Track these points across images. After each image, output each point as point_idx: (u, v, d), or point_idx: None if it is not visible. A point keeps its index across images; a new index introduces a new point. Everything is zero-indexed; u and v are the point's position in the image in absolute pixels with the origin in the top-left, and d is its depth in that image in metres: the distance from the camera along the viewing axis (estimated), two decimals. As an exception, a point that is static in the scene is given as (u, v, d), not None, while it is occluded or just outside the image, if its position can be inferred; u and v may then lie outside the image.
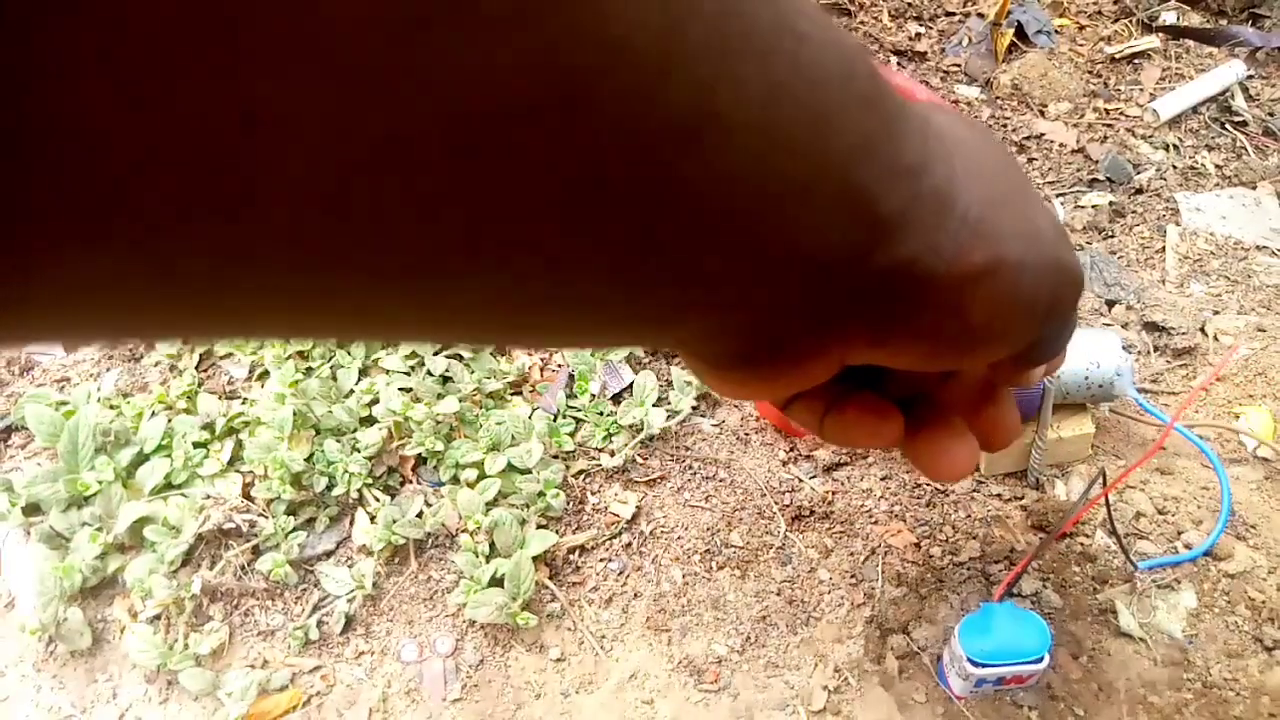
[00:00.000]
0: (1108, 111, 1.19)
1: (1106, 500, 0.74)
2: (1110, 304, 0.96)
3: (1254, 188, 1.15)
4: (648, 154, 0.11)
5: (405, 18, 0.08)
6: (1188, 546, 0.78)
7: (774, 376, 0.17)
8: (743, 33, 0.11)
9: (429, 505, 0.78)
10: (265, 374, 0.87)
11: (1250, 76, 1.26)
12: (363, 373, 0.86)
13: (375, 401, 0.83)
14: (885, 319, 0.15)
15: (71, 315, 0.10)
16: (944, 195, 0.15)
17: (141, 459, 0.80)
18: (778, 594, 0.75)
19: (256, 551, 0.76)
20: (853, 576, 0.76)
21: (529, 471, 0.79)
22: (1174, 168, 1.13)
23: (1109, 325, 0.95)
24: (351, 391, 0.84)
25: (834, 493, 0.81)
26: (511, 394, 0.87)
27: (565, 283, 0.12)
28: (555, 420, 0.84)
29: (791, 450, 0.84)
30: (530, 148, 0.10)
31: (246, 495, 0.78)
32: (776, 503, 0.80)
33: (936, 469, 0.20)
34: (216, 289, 0.10)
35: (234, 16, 0.08)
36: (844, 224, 0.13)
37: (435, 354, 0.89)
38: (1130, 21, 1.31)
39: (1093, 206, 1.07)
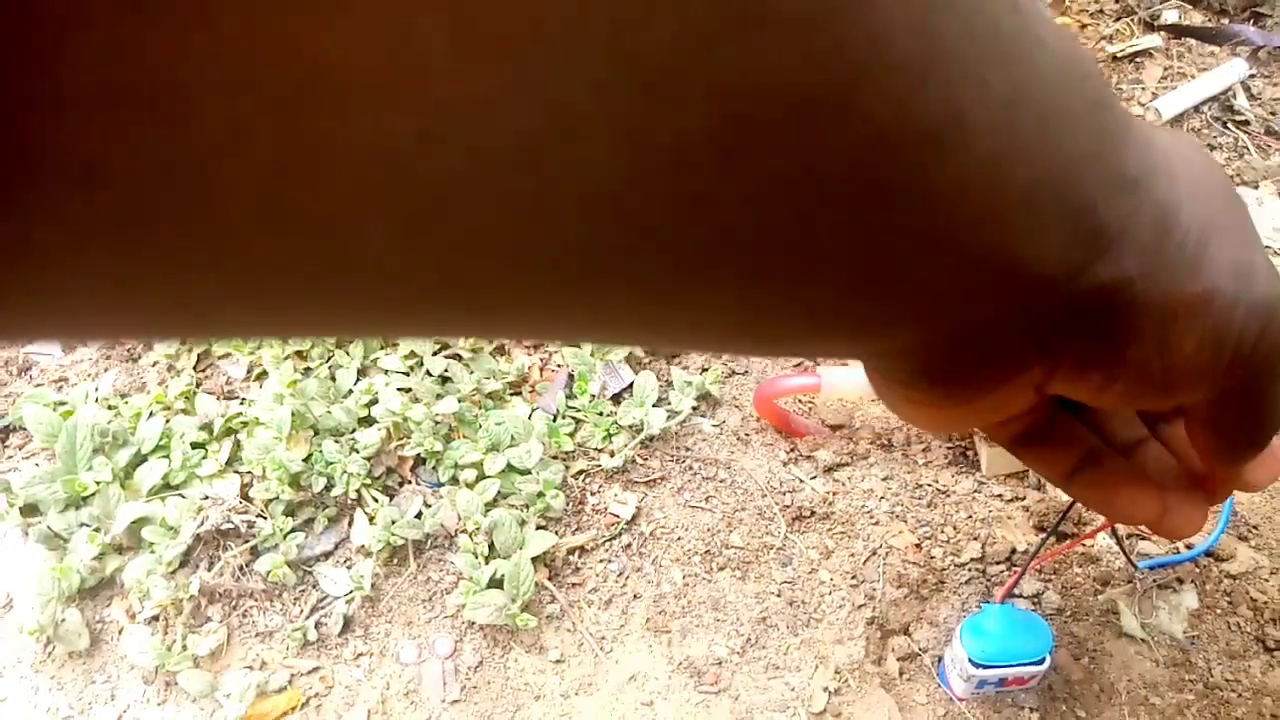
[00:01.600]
0: (1109, 110, 1.19)
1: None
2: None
3: (1256, 187, 1.15)
4: (897, 154, 0.10)
5: (701, 32, 0.08)
6: (1189, 547, 0.78)
7: (970, 398, 0.16)
8: (989, 33, 0.11)
9: (428, 506, 0.78)
10: (263, 374, 0.87)
11: (1252, 75, 1.26)
12: (361, 373, 0.86)
13: (374, 402, 0.82)
14: (1091, 343, 0.15)
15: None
16: (1164, 214, 0.14)
17: (139, 459, 0.79)
18: (778, 595, 0.75)
19: (255, 552, 0.75)
20: (853, 577, 0.76)
21: (528, 472, 0.79)
22: (1175, 167, 1.13)
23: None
24: (350, 392, 0.84)
25: (835, 493, 0.80)
26: (511, 394, 0.86)
27: (794, 292, 0.12)
28: (555, 420, 0.83)
29: (792, 451, 0.84)
30: (797, 148, 0.10)
31: (245, 496, 0.78)
32: (777, 503, 0.80)
33: (1174, 534, 0.20)
34: (500, 293, 0.10)
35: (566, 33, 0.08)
36: (1065, 236, 0.13)
37: (434, 354, 0.88)
38: (1132, 20, 1.31)
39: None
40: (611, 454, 0.81)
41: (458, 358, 0.88)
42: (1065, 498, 0.78)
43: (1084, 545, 0.77)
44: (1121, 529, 0.76)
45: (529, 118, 0.08)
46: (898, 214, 0.11)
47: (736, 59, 0.09)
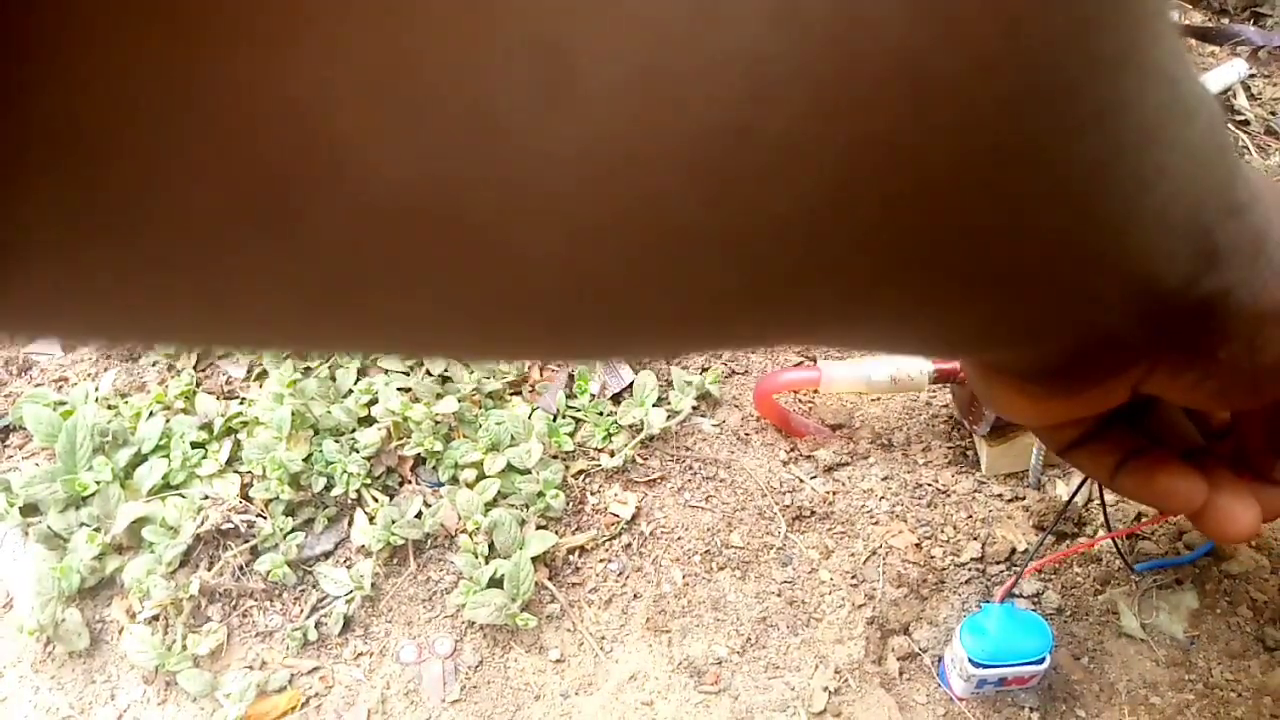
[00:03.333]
0: (1109, 110, 1.19)
1: (1103, 500, 0.74)
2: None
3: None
4: (1105, 193, 0.12)
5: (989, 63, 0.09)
6: (1189, 548, 0.78)
7: (1076, 394, 0.18)
8: (1182, 99, 0.12)
9: (428, 506, 0.78)
10: (263, 374, 0.87)
11: (1252, 75, 1.26)
12: (361, 372, 0.86)
13: (374, 401, 0.82)
14: (1191, 347, 0.17)
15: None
16: (1259, 233, 0.16)
17: (139, 459, 0.79)
18: (778, 595, 0.75)
19: (255, 552, 0.75)
20: (853, 577, 0.76)
21: (528, 472, 0.79)
22: (1175, 167, 1.13)
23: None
24: (350, 391, 0.84)
25: (835, 493, 0.80)
26: (511, 394, 0.86)
27: (972, 307, 0.13)
28: (555, 420, 0.83)
29: (792, 450, 0.84)
30: (1022, 185, 0.11)
31: (245, 496, 0.78)
32: (777, 503, 0.80)
33: (1216, 526, 0.22)
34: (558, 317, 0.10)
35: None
36: (1189, 254, 0.15)
37: (434, 354, 0.88)
38: (1132, 20, 1.31)
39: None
40: (611, 454, 0.81)
41: (458, 357, 0.88)
42: (1064, 497, 0.78)
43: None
44: (1123, 529, 0.76)
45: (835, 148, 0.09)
46: (1089, 243, 0.12)
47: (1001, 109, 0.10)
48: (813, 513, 0.79)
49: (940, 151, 0.10)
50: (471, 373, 0.85)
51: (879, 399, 0.86)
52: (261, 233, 0.09)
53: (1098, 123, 0.11)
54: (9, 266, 0.08)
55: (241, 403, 0.84)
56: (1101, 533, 0.76)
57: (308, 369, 0.85)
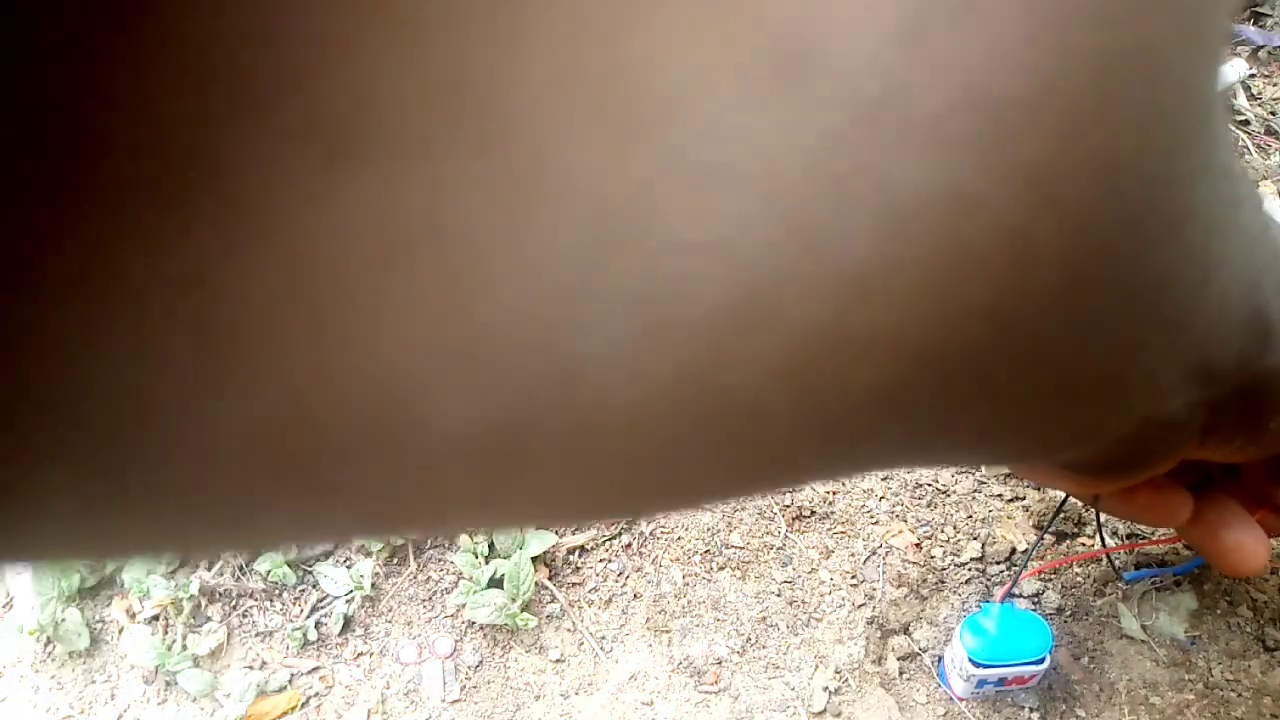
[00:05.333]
0: (1109, 110, 1.19)
1: (1097, 514, 0.74)
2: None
3: (1256, 187, 1.15)
4: (1169, 292, 0.12)
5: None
6: (1188, 548, 0.78)
7: (1126, 478, 0.18)
8: (1241, 198, 0.13)
9: (428, 505, 0.78)
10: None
11: (1252, 75, 1.26)
12: (362, 372, 0.86)
13: (374, 401, 0.82)
14: (1241, 419, 0.17)
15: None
16: None
17: (140, 459, 0.80)
18: (778, 595, 0.75)
19: (254, 552, 0.75)
20: (853, 577, 0.76)
21: (528, 472, 0.79)
22: (1175, 167, 1.13)
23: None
24: (350, 391, 0.84)
25: (834, 493, 0.81)
26: (511, 394, 0.87)
27: (1037, 417, 0.13)
28: (555, 420, 0.83)
29: (792, 450, 0.84)
30: (1109, 291, 0.11)
31: (245, 495, 0.78)
32: (777, 503, 0.80)
33: (1230, 563, 0.22)
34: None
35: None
36: (1244, 332, 0.15)
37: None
38: (1132, 20, 1.31)
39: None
40: (611, 454, 0.81)
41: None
42: (1063, 496, 0.78)
43: (1084, 546, 0.77)
44: (1124, 530, 0.76)
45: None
46: (1155, 344, 0.13)
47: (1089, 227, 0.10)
48: (813, 513, 0.79)
49: (1036, 311, 0.10)
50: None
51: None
52: (299, 487, 0.09)
53: (1172, 234, 0.11)
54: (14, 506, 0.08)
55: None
56: (1104, 532, 0.76)
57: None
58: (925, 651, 0.71)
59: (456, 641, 0.72)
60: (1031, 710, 0.68)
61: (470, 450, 0.09)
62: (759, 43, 0.08)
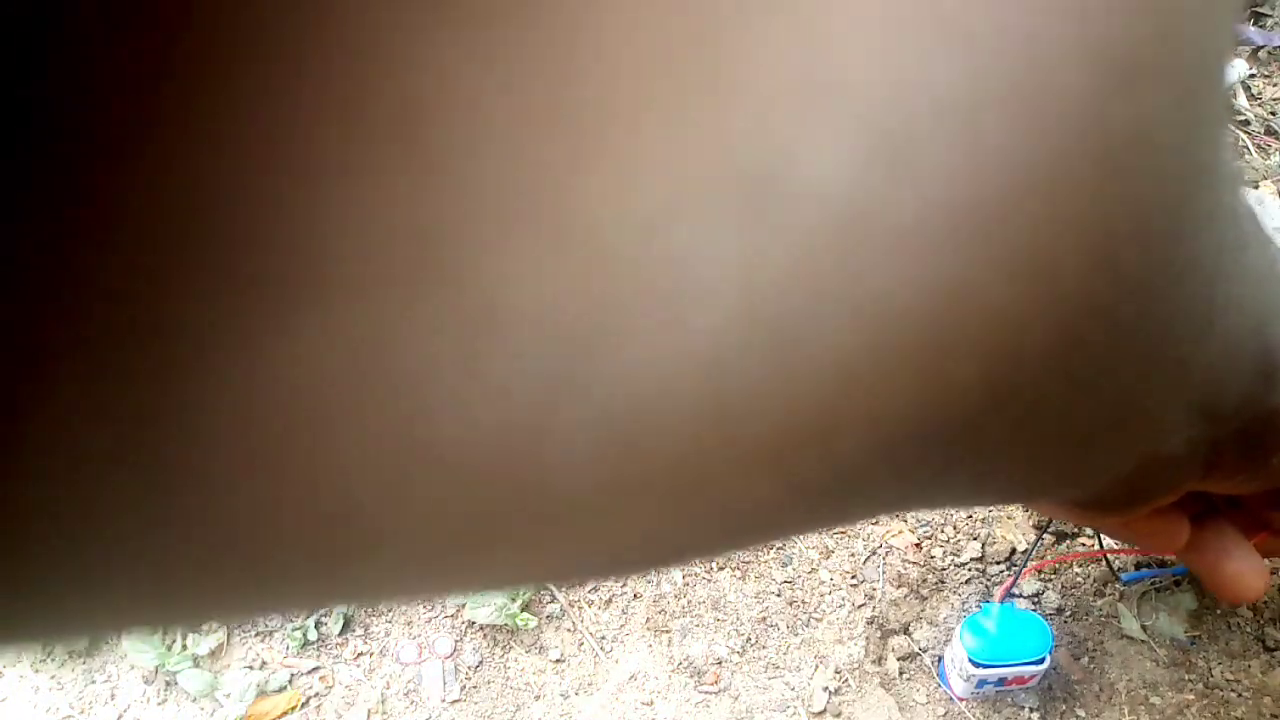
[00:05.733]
0: (1109, 110, 1.19)
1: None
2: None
3: (1256, 187, 1.15)
4: (1173, 335, 0.12)
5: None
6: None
7: (1127, 513, 0.18)
8: (1221, 197, 0.12)
9: (428, 505, 0.78)
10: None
11: (1252, 75, 1.26)
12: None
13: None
14: (1244, 456, 0.17)
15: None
16: None
17: (140, 459, 0.80)
18: (778, 595, 0.75)
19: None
20: (853, 577, 0.76)
21: (528, 472, 0.79)
22: (1175, 167, 1.13)
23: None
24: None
25: (834, 493, 0.81)
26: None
27: (1047, 461, 0.13)
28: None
29: (792, 450, 0.84)
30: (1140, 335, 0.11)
31: (245, 495, 0.78)
32: (777, 503, 0.80)
33: (1229, 591, 0.22)
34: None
35: None
36: (1250, 373, 0.15)
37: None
38: (1131, 20, 1.31)
39: (1094, 206, 1.07)
40: (611, 454, 0.81)
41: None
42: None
43: (1084, 546, 0.77)
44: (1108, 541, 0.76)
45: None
46: (1160, 386, 0.13)
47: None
48: (813, 513, 0.79)
49: (1032, 376, 0.10)
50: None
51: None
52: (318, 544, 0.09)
53: (1177, 283, 0.11)
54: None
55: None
56: (1097, 544, 0.76)
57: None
58: (925, 651, 0.71)
59: (456, 641, 0.72)
60: (1031, 710, 0.68)
61: (432, 562, 0.09)
62: (725, 171, 0.08)
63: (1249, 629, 0.73)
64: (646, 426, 0.08)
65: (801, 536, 0.76)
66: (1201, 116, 0.10)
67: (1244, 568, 0.22)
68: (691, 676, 0.71)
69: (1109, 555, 0.75)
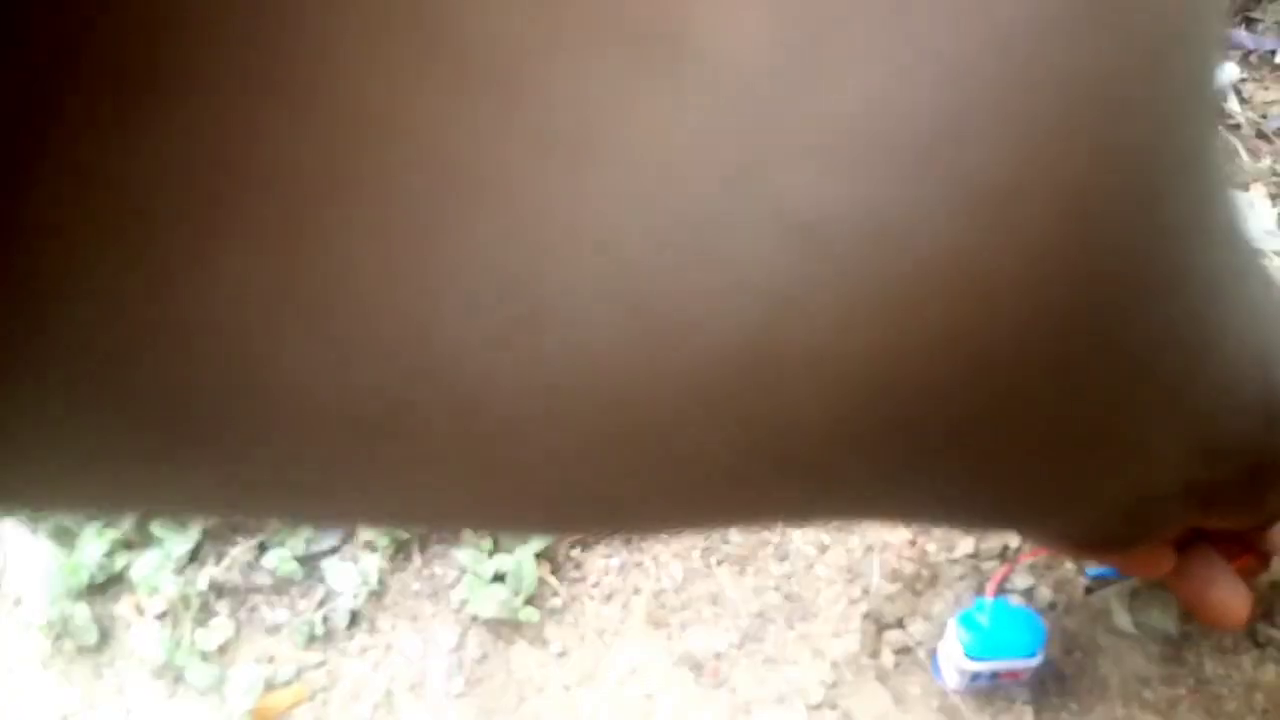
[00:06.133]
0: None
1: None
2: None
3: (1246, 189, 1.16)
4: (1171, 357, 0.12)
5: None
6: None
7: (1123, 550, 0.18)
8: (1209, 209, 0.12)
9: (432, 503, 0.79)
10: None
11: (1243, 79, 1.27)
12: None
13: (379, 401, 0.83)
14: (1242, 495, 0.17)
15: None
16: None
17: (148, 457, 0.80)
18: (776, 589, 0.76)
19: (262, 548, 0.76)
20: (849, 572, 0.77)
21: (531, 469, 0.79)
22: (1168, 170, 1.14)
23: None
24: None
25: (831, 490, 0.81)
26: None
27: (1021, 477, 0.12)
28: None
29: (789, 448, 0.84)
30: (1123, 355, 0.11)
31: (252, 493, 0.79)
32: (775, 500, 0.80)
33: (1213, 618, 0.21)
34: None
35: None
36: (1253, 410, 0.15)
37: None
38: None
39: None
40: (612, 452, 0.82)
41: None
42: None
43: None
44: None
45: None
46: (1151, 407, 0.12)
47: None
48: (810, 510, 0.80)
49: (1010, 353, 0.09)
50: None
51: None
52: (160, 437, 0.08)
53: (1163, 292, 0.10)
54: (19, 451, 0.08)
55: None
56: None
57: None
58: (920, 645, 0.72)
59: (461, 636, 0.73)
60: (1024, 704, 0.69)
61: (340, 422, 0.08)
62: (614, 18, 0.07)
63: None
64: (544, 305, 0.07)
65: (799, 532, 0.77)
66: (1177, 98, 0.09)
67: (1227, 595, 0.21)
68: (691, 670, 0.72)
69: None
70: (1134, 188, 0.09)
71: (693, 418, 0.08)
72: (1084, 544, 0.18)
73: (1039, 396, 0.10)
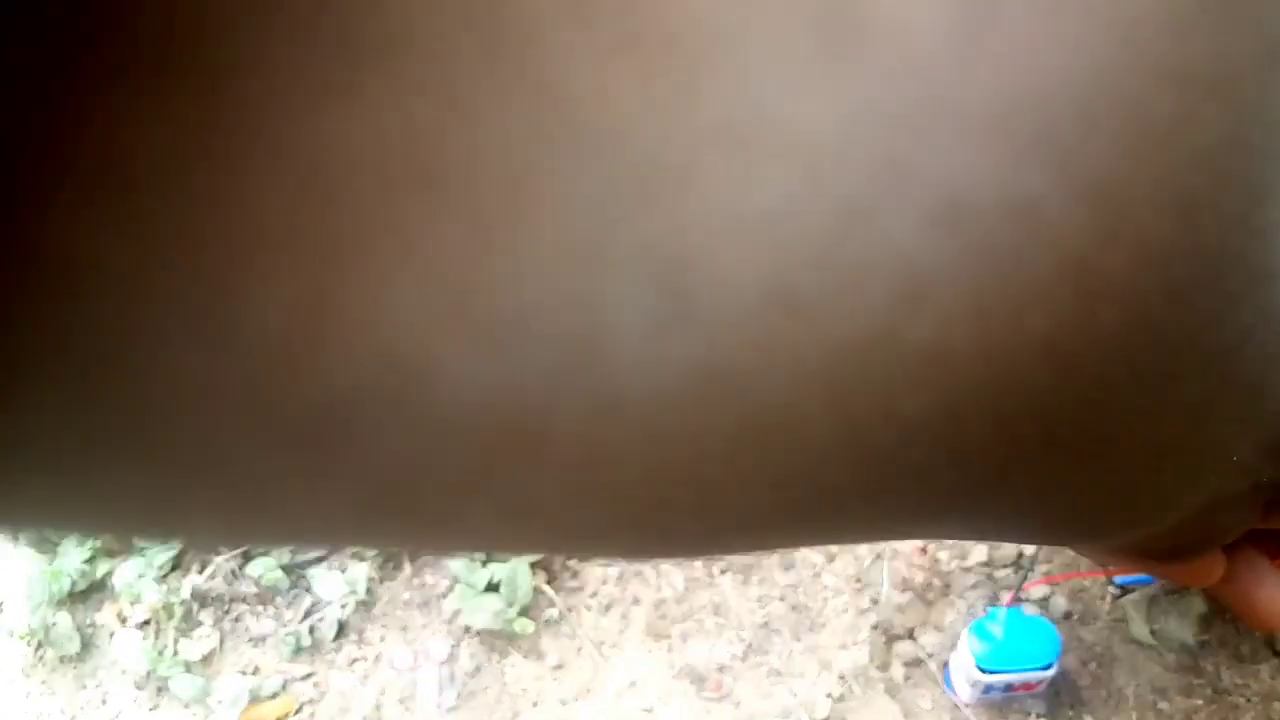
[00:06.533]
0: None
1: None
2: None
3: None
4: (1212, 364, 0.11)
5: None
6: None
7: (1188, 559, 0.18)
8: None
9: (424, 508, 0.78)
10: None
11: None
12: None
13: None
14: None
15: None
16: None
17: (131, 461, 0.79)
18: (781, 599, 0.75)
19: (247, 556, 0.75)
20: (857, 581, 0.76)
21: (526, 474, 0.78)
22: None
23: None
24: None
25: (838, 495, 0.80)
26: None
27: (1076, 491, 0.12)
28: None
29: (794, 452, 0.83)
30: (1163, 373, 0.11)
31: (238, 498, 0.78)
32: (779, 506, 0.79)
33: (1262, 620, 0.22)
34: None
35: None
36: None
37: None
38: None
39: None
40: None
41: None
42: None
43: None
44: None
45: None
46: (1228, 409, 0.12)
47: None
48: (816, 515, 0.79)
49: (1101, 354, 0.09)
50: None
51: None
52: (304, 454, 0.08)
53: (1252, 291, 0.11)
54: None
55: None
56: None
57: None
58: (931, 657, 0.71)
59: (453, 647, 0.72)
60: (1039, 716, 0.68)
61: (479, 422, 0.08)
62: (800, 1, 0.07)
63: (1258, 634, 0.73)
64: (699, 294, 0.08)
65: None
66: None
67: (1276, 595, 0.21)
68: (693, 683, 0.70)
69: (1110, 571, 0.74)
70: (1242, 190, 0.09)
71: (806, 407, 0.08)
72: (1150, 555, 0.17)
73: (1124, 398, 0.10)
